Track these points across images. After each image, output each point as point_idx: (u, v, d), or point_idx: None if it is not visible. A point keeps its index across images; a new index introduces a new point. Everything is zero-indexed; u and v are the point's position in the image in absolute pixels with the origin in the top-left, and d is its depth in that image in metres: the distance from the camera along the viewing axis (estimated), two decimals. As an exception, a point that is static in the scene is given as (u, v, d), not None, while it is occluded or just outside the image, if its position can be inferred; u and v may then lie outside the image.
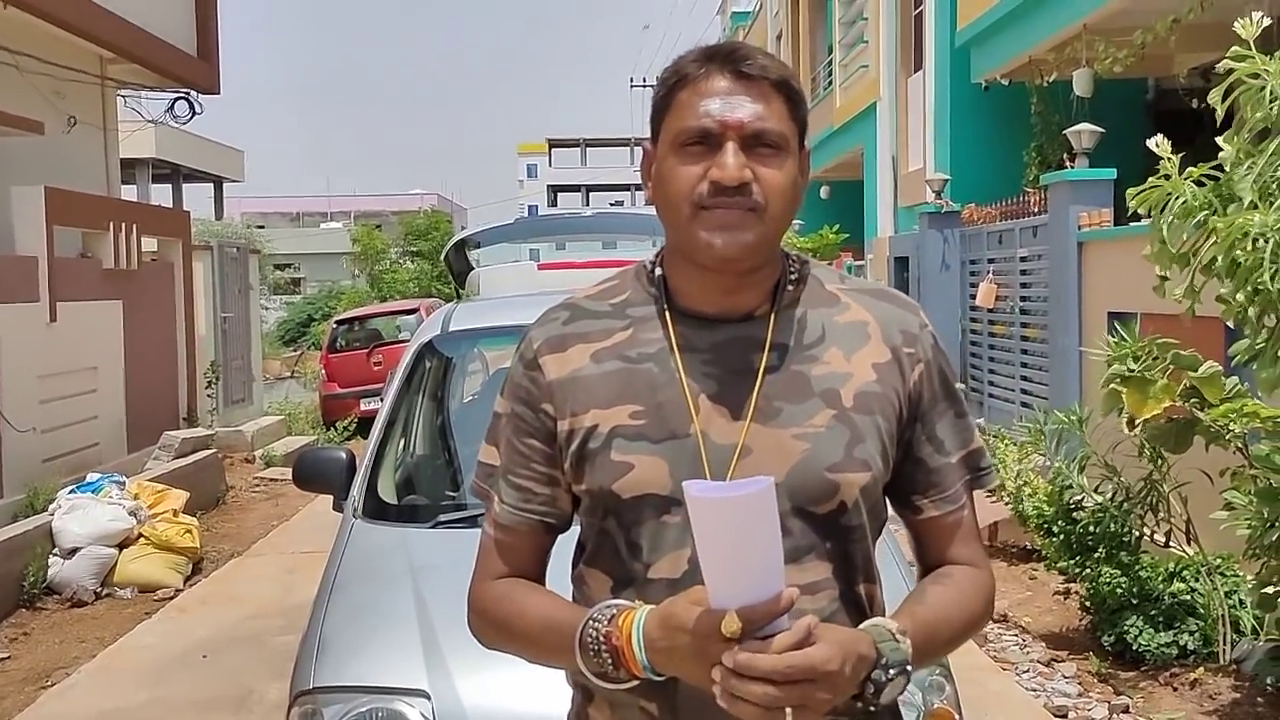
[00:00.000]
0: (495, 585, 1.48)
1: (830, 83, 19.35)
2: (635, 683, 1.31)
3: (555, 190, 64.13)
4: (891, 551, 2.78)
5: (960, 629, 1.44)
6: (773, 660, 1.18)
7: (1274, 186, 3.29)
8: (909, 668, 1.29)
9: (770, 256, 1.42)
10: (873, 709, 1.29)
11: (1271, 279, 3.14)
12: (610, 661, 1.30)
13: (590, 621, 1.33)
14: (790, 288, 1.45)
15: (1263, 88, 3.25)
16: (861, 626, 1.32)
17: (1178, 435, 4.36)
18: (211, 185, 22.38)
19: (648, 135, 1.46)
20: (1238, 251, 3.27)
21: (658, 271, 1.47)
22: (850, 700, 1.26)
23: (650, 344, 1.42)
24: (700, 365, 1.40)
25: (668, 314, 1.43)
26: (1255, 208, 3.26)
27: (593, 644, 1.31)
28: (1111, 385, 4.37)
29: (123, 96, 11.80)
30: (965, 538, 1.48)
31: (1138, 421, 4.35)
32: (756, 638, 1.19)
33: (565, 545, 1.54)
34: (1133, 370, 4.27)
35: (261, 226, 31.56)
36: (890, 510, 1.51)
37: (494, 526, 1.50)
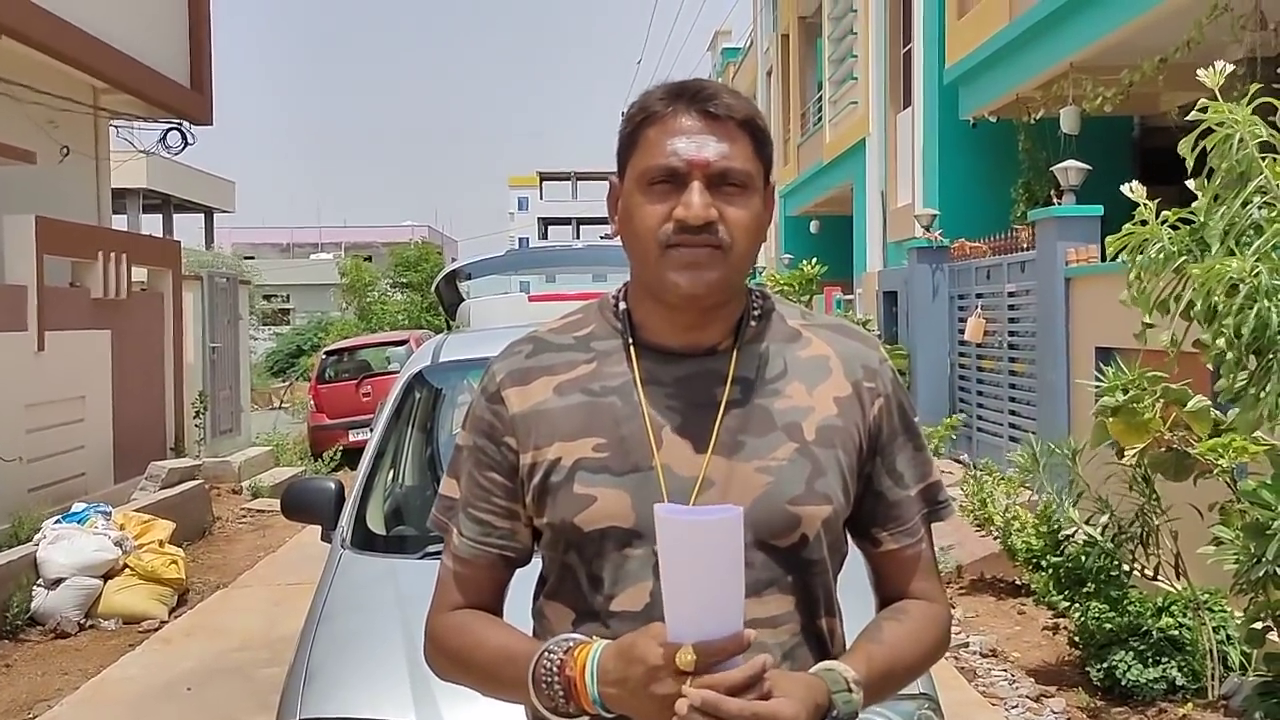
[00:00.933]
0: (452, 616, 1.48)
1: (820, 119, 19.51)
2: (585, 719, 1.30)
3: (546, 223, 64.39)
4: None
5: (915, 664, 1.45)
6: (739, 705, 1.19)
7: (1251, 231, 3.32)
8: (857, 709, 1.31)
9: (735, 293, 1.43)
10: None
11: (1249, 325, 3.16)
12: (561, 693, 1.30)
13: (545, 652, 1.32)
14: (753, 323, 1.46)
15: (1228, 136, 3.28)
16: (816, 669, 1.33)
17: (1177, 464, 4.37)
18: (202, 215, 22.41)
19: None
20: (1216, 298, 3.30)
21: (622, 306, 1.48)
22: None
23: (614, 377, 1.43)
24: (664, 399, 1.41)
25: (632, 348, 1.44)
26: (1231, 254, 3.29)
27: (546, 675, 1.31)
28: (1101, 416, 4.39)
29: (115, 126, 11.83)
30: (923, 571, 1.50)
31: (1129, 452, 4.36)
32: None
33: (525, 578, 1.53)
34: (1121, 401, 4.29)
35: (251, 257, 31.60)
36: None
37: (452, 559, 1.50)
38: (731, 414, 1.40)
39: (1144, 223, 3.67)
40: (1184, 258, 3.53)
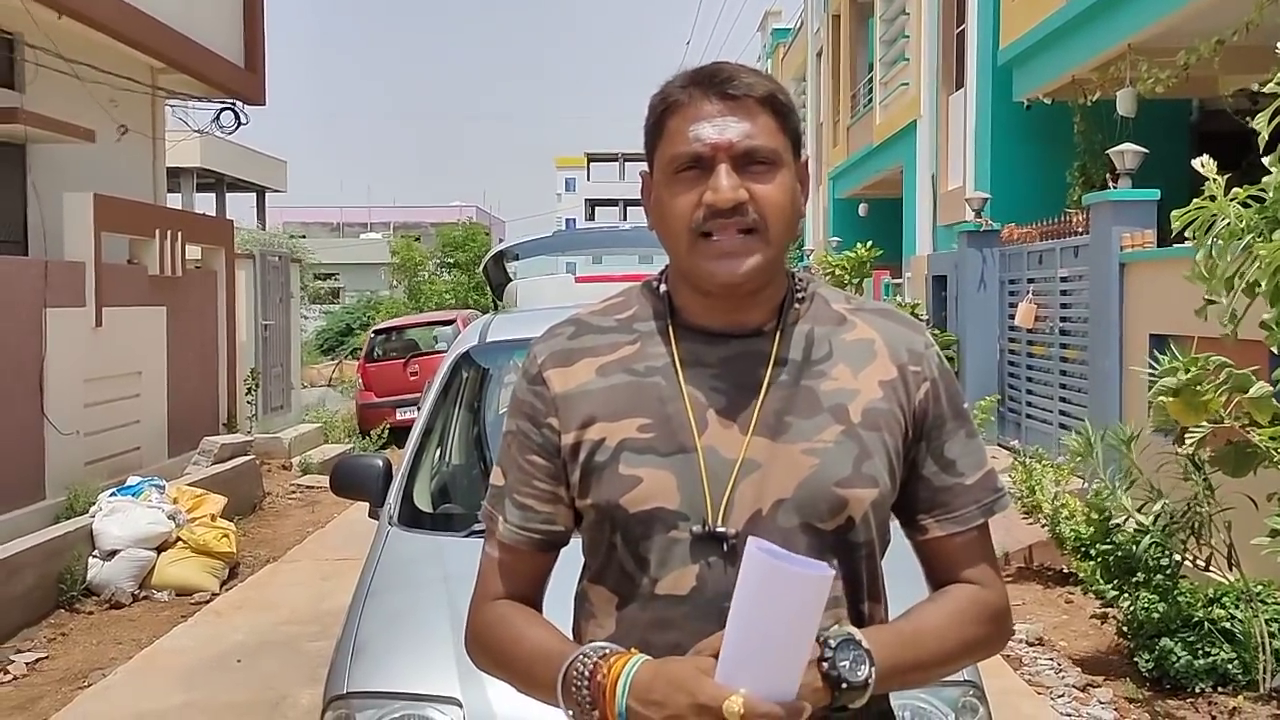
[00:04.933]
0: (493, 609, 1.47)
1: (870, 100, 19.31)
2: None
3: (593, 204, 64.36)
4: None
5: (956, 646, 1.40)
6: None
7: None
8: (855, 636, 1.26)
9: (774, 274, 1.41)
10: (851, 704, 1.25)
11: None
12: (588, 699, 1.28)
13: (580, 656, 1.31)
14: (796, 305, 1.45)
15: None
16: None
17: (1238, 458, 4.28)
18: (254, 195, 22.63)
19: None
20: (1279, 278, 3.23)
21: (663, 289, 1.47)
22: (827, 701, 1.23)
23: (657, 358, 1.42)
24: (708, 379, 1.40)
25: (673, 329, 1.43)
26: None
27: (576, 678, 1.29)
28: (1160, 398, 4.30)
29: (171, 106, 11.99)
30: (974, 559, 1.46)
31: (1189, 439, 4.26)
32: None
33: (566, 565, 1.53)
34: (1182, 382, 4.19)
35: (303, 236, 31.81)
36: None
37: (497, 547, 1.50)
38: (775, 395, 1.38)
39: (1213, 198, 3.59)
40: (1251, 235, 3.46)
